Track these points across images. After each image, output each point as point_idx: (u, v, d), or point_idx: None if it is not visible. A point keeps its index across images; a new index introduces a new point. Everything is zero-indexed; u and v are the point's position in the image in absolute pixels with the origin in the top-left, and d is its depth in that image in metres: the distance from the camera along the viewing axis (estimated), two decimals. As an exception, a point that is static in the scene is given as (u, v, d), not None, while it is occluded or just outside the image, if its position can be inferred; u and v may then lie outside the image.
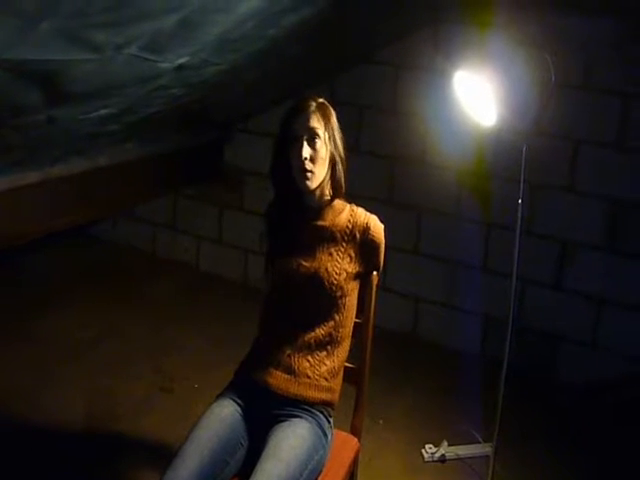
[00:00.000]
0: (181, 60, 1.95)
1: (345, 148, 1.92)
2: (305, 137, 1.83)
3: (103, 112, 2.22)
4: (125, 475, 2.53)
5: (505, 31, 2.77)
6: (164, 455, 2.50)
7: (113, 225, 4.52)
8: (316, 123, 1.84)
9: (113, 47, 1.62)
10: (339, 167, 1.90)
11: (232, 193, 4.05)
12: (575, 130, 3.06)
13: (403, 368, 3.35)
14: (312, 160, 1.84)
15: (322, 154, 1.85)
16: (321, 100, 1.89)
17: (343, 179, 1.91)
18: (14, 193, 2.56)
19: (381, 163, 3.51)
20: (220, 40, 1.94)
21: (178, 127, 3.23)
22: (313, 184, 1.86)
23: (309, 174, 1.84)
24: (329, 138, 1.86)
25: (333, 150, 1.87)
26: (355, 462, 2.02)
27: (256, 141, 3.85)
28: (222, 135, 3.92)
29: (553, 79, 1.85)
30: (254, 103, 3.55)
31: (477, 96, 1.92)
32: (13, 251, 3.17)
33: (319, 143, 1.84)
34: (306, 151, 1.82)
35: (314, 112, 1.85)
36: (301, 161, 1.82)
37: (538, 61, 1.99)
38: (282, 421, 1.80)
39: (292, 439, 1.72)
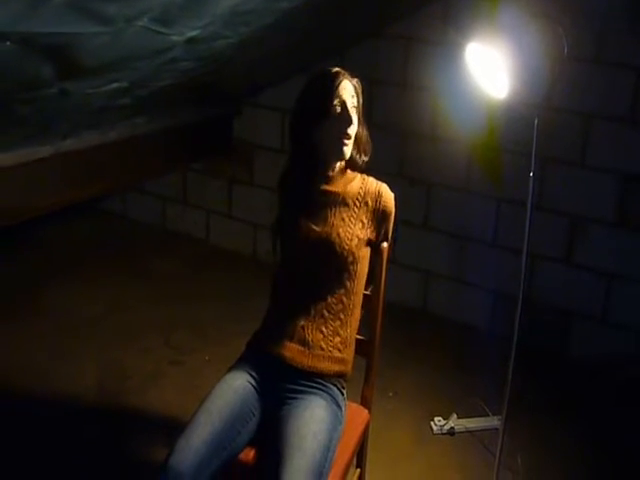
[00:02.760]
0: (192, 33, 1.94)
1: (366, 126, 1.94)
2: (350, 104, 1.84)
3: (114, 86, 2.22)
4: (136, 446, 2.58)
5: (517, 3, 2.74)
6: (174, 426, 2.53)
7: (123, 199, 4.54)
8: (355, 93, 1.87)
9: (124, 19, 1.61)
10: (363, 142, 1.92)
11: (242, 167, 4.05)
12: (587, 104, 3.04)
13: (413, 342, 3.37)
14: (354, 129, 1.86)
15: (356, 124, 1.87)
16: (355, 76, 1.90)
17: (365, 155, 1.94)
18: (26, 167, 2.57)
19: (392, 137, 3.49)
20: (231, 13, 1.93)
21: (188, 101, 3.22)
22: (349, 153, 1.88)
23: (349, 141, 1.85)
24: (360, 112, 1.89)
25: (362, 124, 1.90)
26: (366, 433, 2.05)
27: (266, 115, 3.84)
28: (232, 109, 3.91)
29: (565, 52, 1.83)
30: (264, 77, 3.54)
31: (489, 69, 1.91)
32: (24, 225, 3.19)
33: (356, 113, 1.86)
34: (355, 116, 1.84)
35: (354, 82, 1.87)
36: (347, 127, 1.82)
37: (550, 34, 1.97)
38: (297, 399, 1.81)
39: (312, 424, 1.72)
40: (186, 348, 3.17)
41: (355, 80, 1.89)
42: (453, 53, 2.26)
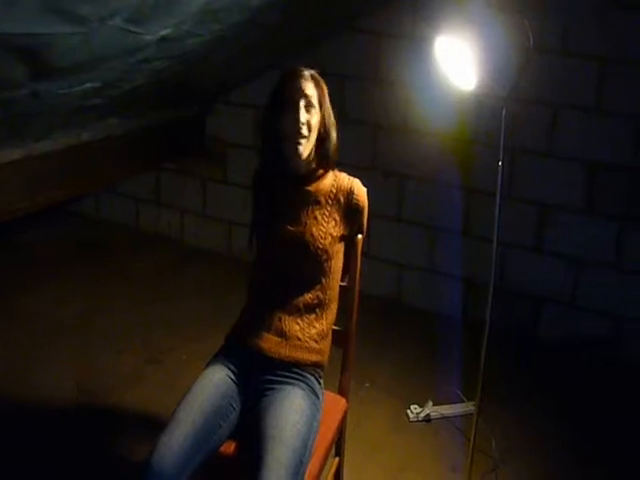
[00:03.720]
0: (164, 32, 1.96)
1: (335, 123, 1.95)
2: (301, 102, 1.86)
3: (87, 86, 2.23)
4: (116, 446, 2.57)
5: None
6: (155, 424, 2.58)
7: (96, 201, 4.52)
8: (311, 91, 1.88)
9: (97, 19, 1.63)
10: (328, 139, 1.93)
11: (215, 166, 4.07)
12: (554, 95, 3.11)
13: (388, 332, 3.42)
14: (308, 126, 1.87)
15: (314, 122, 1.88)
16: (313, 71, 1.92)
17: (331, 152, 1.94)
18: (-2, 170, 2.57)
19: (364, 131, 3.54)
20: (202, 11, 1.95)
21: (161, 101, 3.23)
22: (305, 152, 1.89)
23: (302, 140, 1.86)
24: (321, 108, 1.89)
25: (324, 121, 1.90)
26: (344, 421, 2.09)
27: (239, 113, 3.86)
28: (204, 108, 3.92)
29: (531, 44, 1.89)
30: (236, 74, 3.55)
31: (457, 61, 1.95)
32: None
33: (312, 111, 1.88)
34: (303, 116, 1.85)
35: (309, 80, 1.88)
36: (298, 126, 1.84)
37: (516, 26, 2.02)
38: (276, 389, 1.83)
39: (291, 414, 1.75)
40: (164, 347, 3.18)
41: (314, 78, 1.90)
42: (423, 47, 2.31)
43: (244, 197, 3.91)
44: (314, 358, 1.92)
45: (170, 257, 4.13)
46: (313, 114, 1.88)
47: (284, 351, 1.88)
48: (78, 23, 1.60)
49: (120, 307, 3.51)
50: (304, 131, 1.86)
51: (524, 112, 3.09)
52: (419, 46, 3.13)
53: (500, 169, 2.02)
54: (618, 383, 3.13)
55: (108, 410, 2.75)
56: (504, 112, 1.95)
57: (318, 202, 1.94)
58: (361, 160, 3.51)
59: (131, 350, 3.15)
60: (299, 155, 1.88)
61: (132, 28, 1.80)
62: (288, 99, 1.86)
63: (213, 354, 1.99)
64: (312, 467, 1.78)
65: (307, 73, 1.90)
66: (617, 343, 3.24)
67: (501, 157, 1.99)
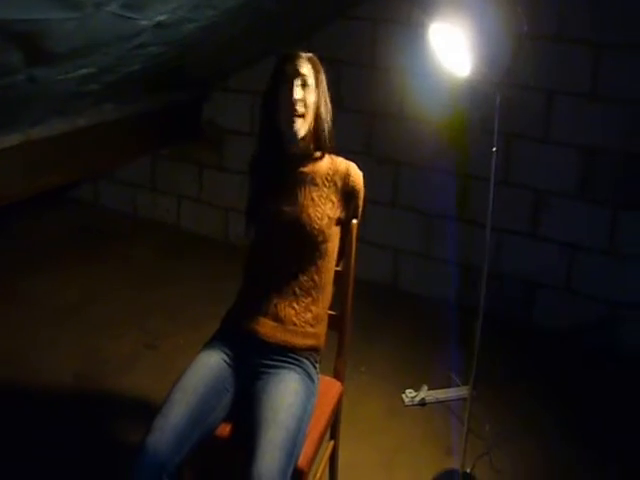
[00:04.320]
0: (160, 17, 1.96)
1: (331, 109, 1.97)
2: (296, 81, 1.88)
3: (83, 71, 2.23)
4: (113, 428, 2.60)
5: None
6: (151, 408, 2.58)
7: (94, 188, 4.53)
8: (307, 71, 1.91)
9: (93, 5, 1.63)
10: (324, 121, 1.95)
11: (211, 152, 4.07)
12: (549, 80, 3.13)
13: (384, 318, 3.45)
14: (303, 103, 1.89)
15: (310, 101, 1.90)
16: (312, 54, 1.96)
17: (327, 135, 1.96)
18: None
19: (359, 117, 3.55)
20: (197, -3, 1.96)
21: (157, 86, 3.23)
22: (301, 130, 1.91)
23: (298, 119, 1.88)
24: (317, 89, 1.92)
25: (320, 103, 1.93)
26: (339, 405, 2.11)
27: (236, 99, 3.87)
28: (201, 94, 3.92)
29: (525, 30, 1.90)
30: (232, 61, 3.56)
31: (451, 47, 1.97)
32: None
33: (308, 90, 1.90)
34: (298, 93, 1.88)
35: (306, 61, 1.92)
36: (292, 102, 1.87)
37: (510, 12, 2.03)
38: (271, 374, 1.85)
39: (286, 396, 1.77)
40: (160, 332, 3.20)
41: (311, 60, 1.94)
42: (419, 33, 2.32)
43: (241, 183, 3.86)
44: (310, 342, 1.94)
45: (167, 243, 4.15)
46: (309, 93, 1.91)
47: (280, 335, 1.90)
48: (74, 9, 1.61)
49: (117, 292, 3.53)
50: (299, 107, 1.88)
51: (519, 98, 3.10)
52: (415, 32, 3.13)
53: (494, 155, 2.03)
54: (611, 368, 3.16)
55: (105, 394, 2.77)
56: (498, 98, 1.97)
57: (315, 183, 1.96)
58: (356, 146, 3.52)
59: (128, 335, 3.17)
60: (295, 132, 1.90)
61: (128, 14, 1.81)
62: (284, 77, 1.90)
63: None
64: (307, 449, 1.80)
65: (304, 54, 1.94)
66: (611, 328, 3.27)
67: (495, 143, 2.01)
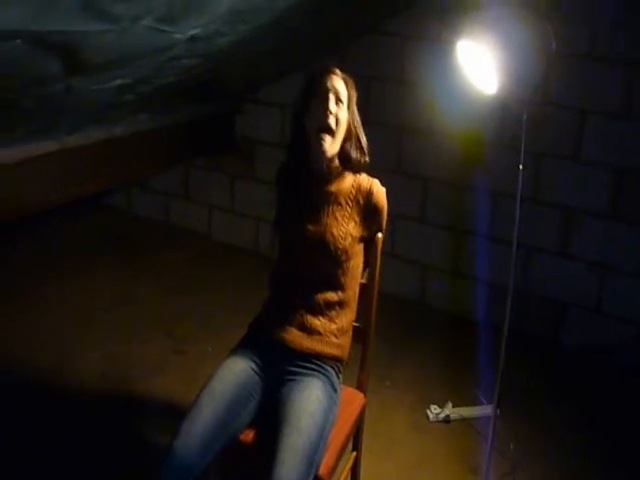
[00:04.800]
0: (194, 31, 2.00)
1: (362, 128, 1.98)
2: (331, 95, 1.89)
3: (118, 82, 2.29)
4: (140, 431, 2.65)
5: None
6: (178, 412, 2.60)
7: (127, 195, 4.62)
8: (341, 87, 1.91)
9: (130, 18, 1.68)
10: (353, 140, 1.96)
11: (243, 163, 4.12)
12: (581, 99, 3.10)
13: (410, 333, 3.44)
14: (335, 122, 1.89)
15: (342, 119, 1.90)
16: (345, 74, 1.96)
17: (355, 153, 1.97)
18: (31, 162, 2.64)
19: (388, 133, 3.56)
20: (231, 12, 2.00)
21: (190, 98, 3.29)
22: (330, 150, 1.91)
23: (328, 137, 1.88)
24: (349, 108, 1.93)
25: (351, 122, 1.94)
26: (361, 416, 2.12)
27: (267, 112, 3.91)
28: (233, 106, 3.98)
29: (554, 48, 1.90)
30: (264, 74, 3.61)
31: (479, 65, 1.98)
32: (29, 219, 3.27)
33: (341, 107, 1.91)
34: (333, 107, 1.88)
35: (340, 78, 1.92)
36: (325, 115, 1.87)
37: (539, 30, 2.03)
38: (295, 381, 1.87)
39: (309, 405, 1.79)
40: (189, 338, 3.25)
41: (345, 79, 1.94)
42: (447, 50, 2.32)
43: (271, 194, 3.93)
44: (334, 352, 1.96)
45: (198, 251, 4.20)
46: (342, 110, 1.91)
47: (305, 343, 1.93)
48: (112, 21, 1.65)
49: (148, 298, 3.59)
50: (331, 121, 1.88)
51: (551, 116, 3.09)
52: (443, 49, 3.13)
53: (520, 172, 2.03)
54: (638, 389, 3.11)
55: (133, 397, 2.82)
56: (525, 116, 1.97)
57: (338, 203, 1.97)
58: (385, 161, 3.53)
59: (157, 340, 3.22)
60: (324, 152, 1.91)
61: (163, 27, 1.85)
62: (318, 91, 1.90)
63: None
64: (328, 459, 1.82)
65: (338, 71, 1.94)
66: (638, 349, 3.22)
67: (522, 160, 2.01)
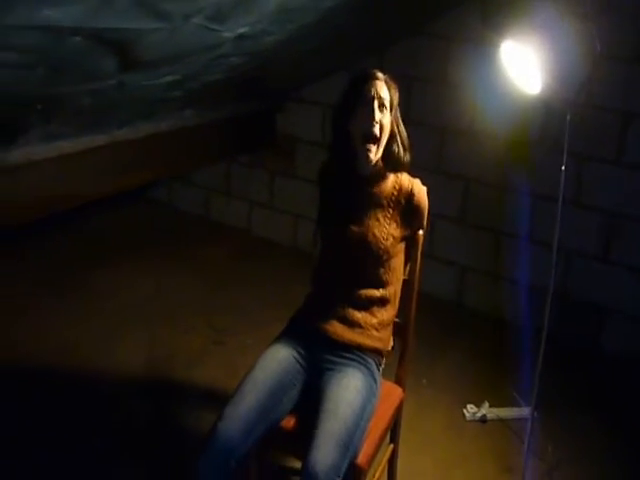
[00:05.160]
0: (242, 30, 2.05)
1: (403, 126, 2.01)
2: (375, 103, 1.91)
3: (168, 78, 2.35)
4: (181, 419, 2.71)
5: (552, 1, 2.80)
6: (217, 401, 2.69)
7: (169, 189, 4.70)
8: (385, 93, 1.93)
9: (182, 17, 1.74)
10: (397, 142, 1.98)
11: (284, 160, 4.17)
12: (625, 102, 3.07)
13: (448, 333, 3.45)
14: (379, 130, 1.91)
15: (386, 124, 1.93)
16: (386, 74, 1.98)
17: (399, 155, 1.99)
18: (83, 155, 2.72)
19: (430, 133, 3.57)
20: (278, 10, 2.04)
21: (235, 95, 3.35)
22: (375, 157, 1.94)
23: (373, 146, 1.91)
24: (391, 112, 1.95)
25: (394, 124, 1.96)
26: (399, 410, 2.15)
27: (308, 110, 3.95)
28: (275, 104, 4.03)
29: (598, 50, 1.90)
30: (307, 73, 3.65)
31: (523, 66, 1.98)
32: (77, 211, 3.36)
33: (385, 113, 1.93)
34: (377, 115, 1.90)
35: (383, 82, 1.94)
36: (371, 124, 1.89)
37: (583, 32, 2.03)
38: (336, 370, 1.91)
39: (347, 393, 1.83)
40: (228, 330, 3.31)
41: (387, 81, 1.95)
42: (490, 51, 2.34)
43: (311, 191, 3.97)
44: (375, 344, 1.99)
45: (238, 246, 4.26)
46: (385, 115, 1.93)
47: (347, 335, 1.97)
48: (164, 19, 1.71)
49: (188, 290, 3.66)
50: (376, 130, 1.90)
51: (594, 119, 3.06)
52: (486, 50, 3.13)
53: (562, 174, 2.04)
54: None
55: (174, 386, 2.90)
56: (568, 117, 1.97)
57: (381, 204, 2.00)
58: (426, 161, 3.54)
59: (197, 330, 3.29)
60: (370, 160, 1.94)
61: (212, 26, 1.90)
62: (362, 98, 1.92)
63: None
64: (367, 448, 1.86)
65: (381, 75, 1.96)
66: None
67: (564, 162, 2.01)
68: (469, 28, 3.34)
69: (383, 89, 1.93)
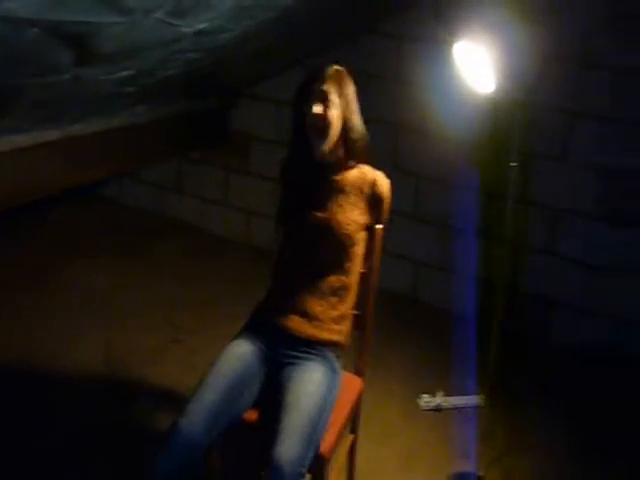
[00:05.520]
0: (201, 25, 2.05)
1: (361, 117, 2.05)
2: (317, 99, 1.97)
3: (124, 74, 2.33)
4: (139, 416, 2.70)
5: (504, 3, 2.88)
6: (175, 399, 2.71)
7: (120, 186, 4.65)
8: (329, 87, 1.98)
9: (143, 10, 1.73)
10: (353, 131, 2.02)
11: (238, 157, 4.17)
12: (570, 102, 3.17)
13: (402, 326, 3.52)
14: (324, 123, 1.97)
15: (332, 116, 1.98)
16: (338, 67, 2.03)
17: (357, 145, 2.04)
18: (35, 150, 2.68)
19: (383, 129, 3.61)
20: (237, 7, 2.05)
21: (188, 91, 3.34)
22: (323, 147, 1.99)
23: (317, 137, 1.98)
24: (342, 102, 1.99)
25: (347, 114, 2.00)
26: (359, 400, 2.20)
27: (263, 107, 3.96)
28: (229, 101, 4.03)
29: (547, 52, 1.97)
30: (262, 69, 3.66)
31: (476, 65, 2.04)
32: (27, 208, 3.31)
33: (330, 105, 1.97)
34: (318, 108, 1.96)
35: (329, 76, 1.99)
36: (313, 117, 1.96)
37: (533, 33, 2.10)
38: (297, 364, 1.95)
39: (309, 386, 1.87)
40: (185, 327, 3.31)
41: (336, 74, 2.00)
42: (443, 50, 2.39)
43: (265, 188, 4.01)
44: (334, 337, 2.03)
45: (191, 243, 4.25)
46: (331, 108, 1.97)
47: (307, 330, 2.00)
48: (124, 14, 1.70)
49: (143, 287, 3.65)
50: (319, 123, 1.97)
51: (540, 118, 3.16)
52: (439, 49, 3.20)
53: (513, 170, 2.11)
54: (627, 387, 3.19)
55: (130, 383, 2.88)
56: (518, 117, 2.04)
57: (344, 191, 2.04)
58: (381, 158, 3.57)
59: (155, 328, 3.28)
60: (318, 149, 2.00)
61: (172, 21, 1.89)
62: (306, 95, 1.99)
63: (236, 332, 2.10)
64: (329, 437, 1.90)
65: (328, 69, 2.01)
66: (627, 347, 3.31)
67: (514, 158, 2.08)
68: (422, 27, 3.40)
69: (329, 83, 1.98)
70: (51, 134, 2.70)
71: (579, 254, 3.34)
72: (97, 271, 3.76)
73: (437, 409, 2.89)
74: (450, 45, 2.13)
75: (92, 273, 3.73)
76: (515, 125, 2.09)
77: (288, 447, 1.72)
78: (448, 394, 2.95)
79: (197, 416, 1.78)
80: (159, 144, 3.66)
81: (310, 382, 1.88)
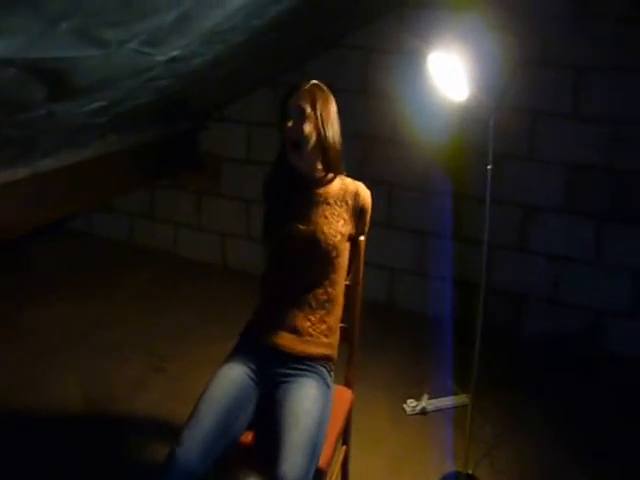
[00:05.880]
0: (174, 53, 2.08)
1: (339, 130, 2.10)
2: (293, 115, 2.02)
3: (96, 105, 2.34)
4: (127, 449, 2.66)
5: (473, 13, 2.97)
6: (163, 428, 2.67)
7: (89, 218, 4.62)
8: (304, 103, 2.02)
9: (117, 42, 1.75)
10: (329, 144, 2.06)
11: (210, 180, 4.19)
12: (534, 102, 3.30)
13: (381, 333, 3.56)
14: (298, 137, 2.01)
15: (306, 131, 2.02)
16: (315, 82, 2.09)
17: (334, 158, 2.09)
18: (3, 189, 2.63)
19: (353, 141, 3.67)
20: (210, 33, 2.08)
21: (158, 117, 3.35)
22: (298, 161, 2.04)
23: (292, 151, 2.03)
24: (318, 119, 2.03)
25: (322, 130, 2.04)
26: (350, 411, 2.23)
27: (231, 128, 4.00)
28: (198, 124, 4.05)
29: (517, 57, 2.04)
30: (230, 92, 3.69)
31: (449, 75, 2.11)
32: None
33: (305, 122, 2.02)
34: (291, 126, 2.02)
35: (305, 92, 2.04)
36: (288, 134, 2.02)
37: (503, 41, 2.17)
38: (290, 382, 1.96)
39: (305, 403, 1.89)
40: (167, 355, 3.29)
41: (310, 89, 2.05)
42: (410, 61, 2.45)
43: (238, 209, 4.04)
44: (325, 352, 2.06)
45: (166, 270, 4.24)
46: (306, 123, 2.02)
47: (298, 346, 2.02)
48: (100, 46, 1.71)
49: (121, 319, 3.61)
50: (292, 137, 2.02)
51: (507, 119, 3.25)
52: (405, 60, 3.28)
53: (489, 172, 2.17)
54: (598, 374, 3.32)
55: (116, 417, 2.84)
56: (492, 121, 2.11)
57: (328, 203, 2.09)
58: (351, 168, 3.63)
59: (136, 359, 3.25)
60: (294, 162, 2.06)
61: (146, 50, 1.92)
62: (282, 112, 2.05)
63: (216, 360, 2.09)
64: (326, 451, 1.92)
65: (303, 86, 2.06)
66: (597, 336, 3.43)
67: (490, 160, 2.15)
68: (388, 39, 3.49)
69: (302, 99, 2.03)
70: (19, 172, 2.67)
71: (549, 248, 3.46)
72: (71, 307, 3.71)
73: (423, 412, 2.95)
74: (420, 55, 2.19)
75: (66, 310, 3.67)
76: (489, 130, 2.15)
77: (292, 464, 1.73)
78: (433, 396, 3.01)
79: (193, 444, 1.77)
80: (128, 174, 3.64)
81: (306, 399, 1.90)
